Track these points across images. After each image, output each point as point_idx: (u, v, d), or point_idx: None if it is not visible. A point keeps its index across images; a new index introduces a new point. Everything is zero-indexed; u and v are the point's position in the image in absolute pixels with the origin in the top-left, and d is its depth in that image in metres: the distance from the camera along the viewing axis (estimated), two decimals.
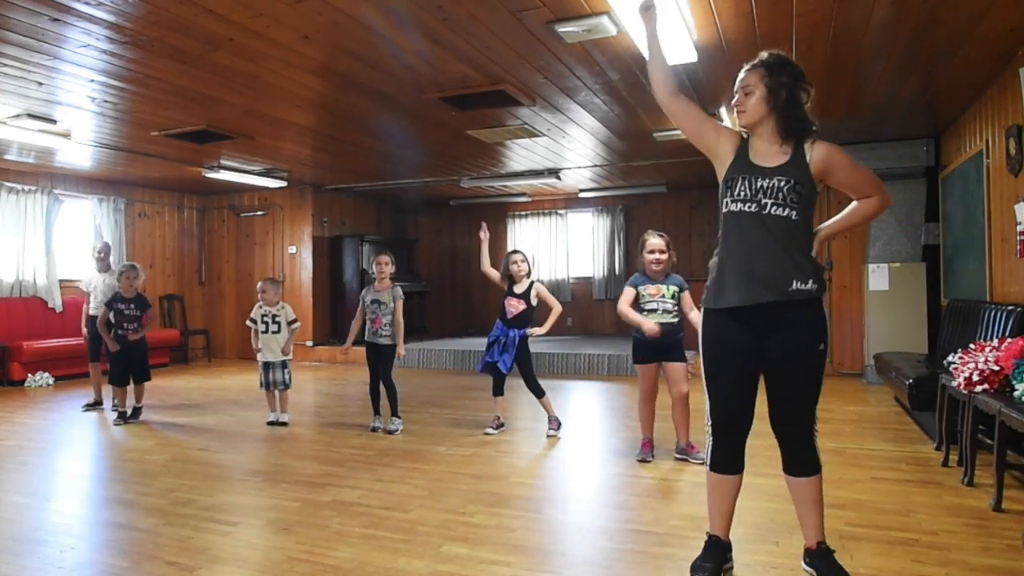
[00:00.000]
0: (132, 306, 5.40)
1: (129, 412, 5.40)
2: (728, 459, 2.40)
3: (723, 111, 5.39)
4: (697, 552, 2.47)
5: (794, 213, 2.26)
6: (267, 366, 5.22)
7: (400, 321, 4.90)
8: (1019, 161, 4.36)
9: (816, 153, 2.29)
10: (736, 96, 2.37)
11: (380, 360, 4.93)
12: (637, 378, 4.08)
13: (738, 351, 2.34)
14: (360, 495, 3.41)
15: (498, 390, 4.83)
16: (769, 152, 2.31)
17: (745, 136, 2.40)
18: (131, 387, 5.45)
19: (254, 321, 5.23)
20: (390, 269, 4.96)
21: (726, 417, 2.38)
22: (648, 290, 3.91)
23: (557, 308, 4.77)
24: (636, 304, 3.94)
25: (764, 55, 2.34)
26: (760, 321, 2.29)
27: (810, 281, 2.25)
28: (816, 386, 2.34)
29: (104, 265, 6.01)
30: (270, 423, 5.18)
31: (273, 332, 5.21)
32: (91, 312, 5.87)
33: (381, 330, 4.88)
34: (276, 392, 5.22)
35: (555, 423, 4.74)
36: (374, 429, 4.94)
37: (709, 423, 2.42)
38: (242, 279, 10.02)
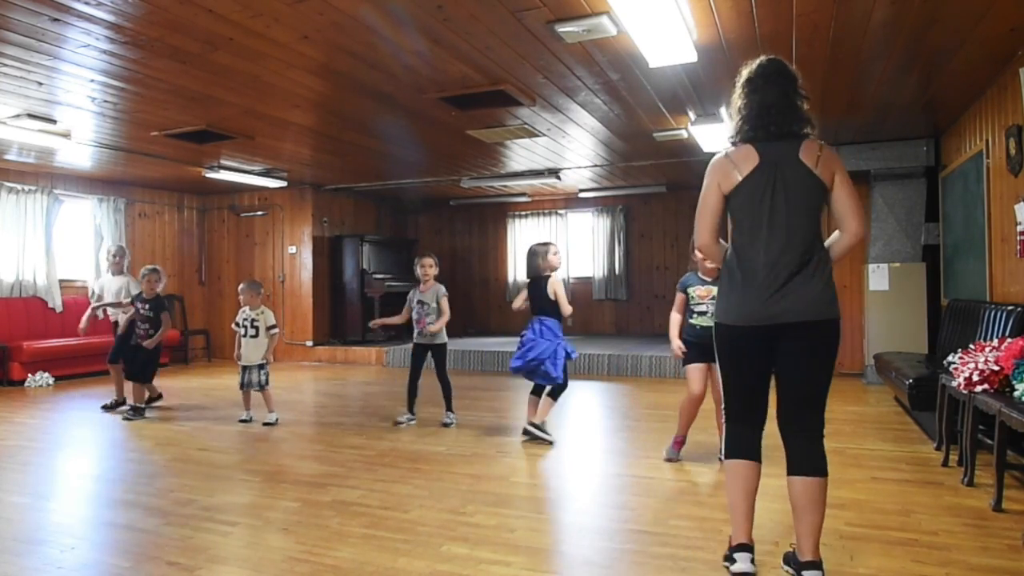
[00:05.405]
0: (148, 307, 5.56)
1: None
2: None
3: (723, 111, 5.39)
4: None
5: None
6: (245, 369, 5.25)
7: (444, 314, 5.01)
8: (1019, 161, 4.36)
9: None
10: None
11: (433, 359, 5.12)
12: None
13: None
14: (360, 495, 3.41)
15: (535, 388, 4.56)
16: None
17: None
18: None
19: (238, 325, 5.27)
20: (434, 271, 5.11)
21: None
22: (698, 292, 3.78)
23: (566, 309, 4.52)
24: (687, 307, 3.85)
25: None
26: None
27: None
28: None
29: (117, 268, 6.06)
30: (242, 421, 5.22)
31: (252, 336, 5.23)
32: (108, 316, 5.98)
33: (426, 330, 5.02)
34: (252, 392, 5.26)
35: (536, 429, 4.44)
36: (397, 423, 5.12)
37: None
38: (242, 279, 9.93)
